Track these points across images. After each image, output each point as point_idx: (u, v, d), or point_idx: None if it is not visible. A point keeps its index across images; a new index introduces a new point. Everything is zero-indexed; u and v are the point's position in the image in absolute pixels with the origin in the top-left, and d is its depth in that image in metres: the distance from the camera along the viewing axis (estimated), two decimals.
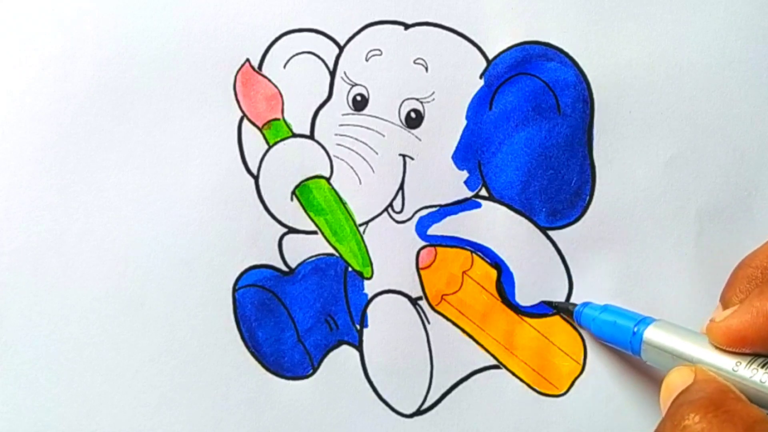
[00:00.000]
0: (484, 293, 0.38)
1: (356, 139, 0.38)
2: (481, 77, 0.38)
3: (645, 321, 0.34)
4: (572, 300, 0.38)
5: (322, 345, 0.39)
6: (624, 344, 0.35)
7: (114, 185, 0.38)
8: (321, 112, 0.38)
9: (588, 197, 0.38)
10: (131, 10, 0.38)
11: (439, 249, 0.38)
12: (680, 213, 0.38)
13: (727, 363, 0.30)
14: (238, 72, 0.38)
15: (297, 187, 0.38)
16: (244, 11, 0.38)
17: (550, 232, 0.38)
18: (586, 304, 0.37)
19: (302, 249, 0.38)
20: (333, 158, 0.38)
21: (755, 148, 0.38)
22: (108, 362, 0.38)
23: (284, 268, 0.38)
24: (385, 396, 0.38)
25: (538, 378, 0.38)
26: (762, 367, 0.29)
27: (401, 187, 0.38)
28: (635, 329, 0.34)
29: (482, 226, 0.38)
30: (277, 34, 0.38)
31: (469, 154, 0.38)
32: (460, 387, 0.38)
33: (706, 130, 0.38)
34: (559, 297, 0.38)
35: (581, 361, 0.38)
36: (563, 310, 0.38)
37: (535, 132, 0.38)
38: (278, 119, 0.38)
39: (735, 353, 0.30)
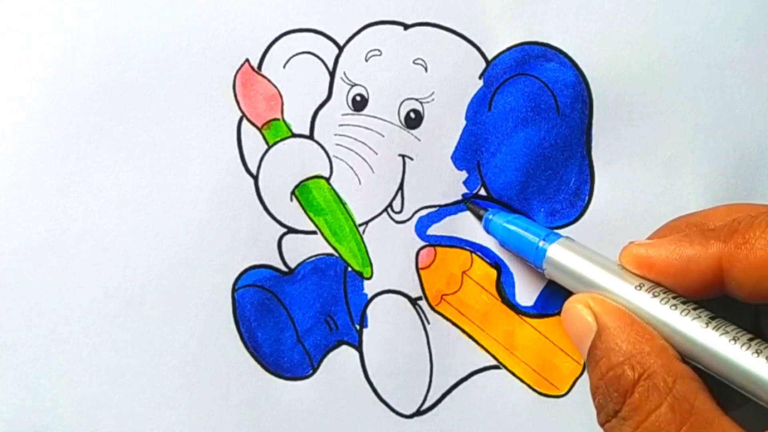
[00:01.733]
0: (484, 293, 0.38)
1: (356, 139, 0.38)
2: (480, 77, 0.38)
3: (551, 237, 0.34)
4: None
5: (322, 345, 0.39)
6: (528, 256, 0.35)
7: (114, 185, 0.38)
8: (320, 113, 0.38)
9: (587, 197, 0.38)
10: (131, 10, 0.38)
11: (438, 249, 0.38)
12: (680, 213, 0.38)
13: (628, 285, 0.31)
14: (237, 72, 0.38)
15: (296, 187, 0.38)
16: (243, 11, 0.38)
17: None
18: (497, 212, 0.37)
19: (302, 249, 0.38)
20: (332, 158, 0.38)
21: (755, 148, 0.38)
22: (108, 362, 0.38)
23: (284, 268, 0.38)
24: (384, 396, 0.38)
25: (538, 378, 0.38)
26: (663, 293, 0.30)
27: (401, 187, 0.38)
28: (540, 243, 0.34)
29: (482, 226, 0.38)
30: (276, 34, 0.38)
31: (468, 154, 0.38)
32: (460, 387, 0.38)
33: (705, 130, 0.38)
34: (559, 297, 0.38)
35: (582, 362, 0.38)
36: (473, 212, 0.38)
37: (534, 132, 0.38)
38: (278, 119, 0.38)
39: (639, 277, 0.31)
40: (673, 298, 0.30)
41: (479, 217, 0.38)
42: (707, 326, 0.29)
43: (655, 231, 0.34)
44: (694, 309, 0.29)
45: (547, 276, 0.35)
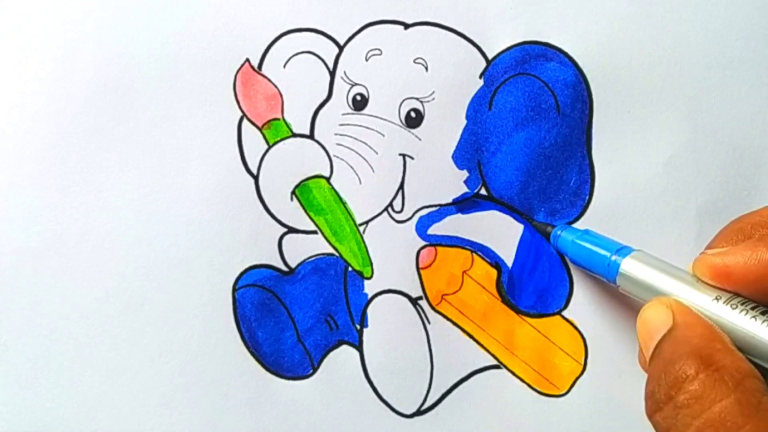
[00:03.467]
0: (485, 293, 0.38)
1: (356, 138, 0.38)
2: (480, 77, 0.38)
3: (624, 250, 0.34)
4: (573, 301, 0.38)
5: (322, 345, 0.39)
6: (601, 271, 0.35)
7: (114, 185, 0.38)
8: (321, 112, 0.38)
9: (587, 197, 0.38)
10: (131, 10, 0.38)
11: (439, 249, 0.38)
12: (680, 213, 0.38)
13: (706, 296, 0.30)
14: (238, 72, 0.38)
15: (297, 186, 0.38)
16: (244, 11, 0.38)
17: None
18: (565, 227, 0.37)
19: (302, 249, 0.38)
20: (333, 158, 0.38)
21: (755, 148, 0.38)
22: (108, 362, 0.38)
23: (284, 268, 0.38)
24: (385, 396, 0.38)
25: (538, 378, 0.38)
26: (742, 304, 0.29)
27: (401, 187, 0.38)
28: (613, 258, 0.34)
29: (482, 226, 0.38)
30: (276, 34, 0.38)
31: (468, 153, 0.38)
32: (461, 387, 0.38)
33: (705, 129, 0.38)
34: (559, 297, 0.38)
35: (582, 361, 0.38)
36: (540, 230, 0.37)
37: (534, 132, 0.38)
38: (278, 119, 0.38)
39: (716, 288, 0.30)
40: (753, 308, 0.29)
41: (547, 235, 0.37)
42: None
43: (717, 236, 0.33)
44: None
45: (622, 291, 0.34)
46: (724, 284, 0.30)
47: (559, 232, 0.37)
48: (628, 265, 0.33)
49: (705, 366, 0.27)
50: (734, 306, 0.29)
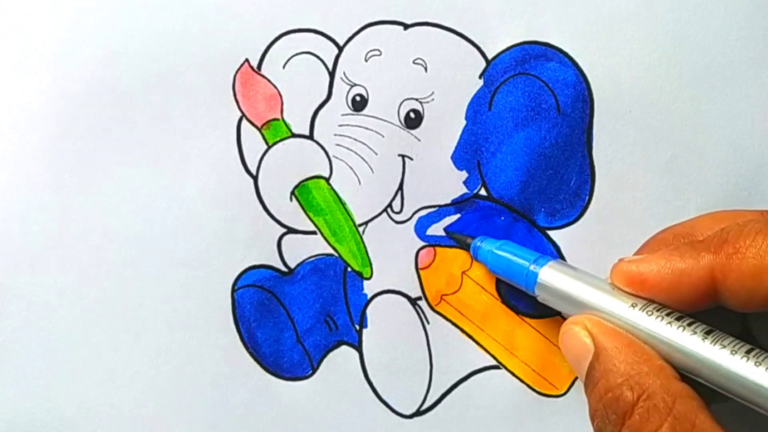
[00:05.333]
0: (484, 293, 0.38)
1: (355, 139, 0.38)
2: (480, 77, 0.38)
3: (542, 260, 0.34)
4: None
5: (322, 345, 0.39)
6: (520, 282, 0.35)
7: (113, 185, 0.38)
8: (320, 113, 0.38)
9: (587, 197, 0.38)
10: (131, 9, 0.38)
11: (438, 249, 0.38)
12: (680, 213, 0.38)
13: (622, 304, 0.30)
14: (237, 72, 0.38)
15: (296, 187, 0.38)
16: (243, 11, 0.38)
17: (550, 232, 0.38)
18: (485, 239, 0.37)
19: (301, 249, 0.38)
20: (332, 158, 0.38)
21: (756, 148, 0.38)
22: (107, 362, 0.38)
23: (283, 269, 0.38)
24: (384, 396, 0.38)
25: (538, 378, 0.38)
26: (657, 311, 0.30)
27: (400, 188, 0.38)
28: (531, 267, 0.34)
29: (482, 227, 0.38)
30: (276, 34, 0.38)
31: (468, 154, 0.38)
32: (460, 387, 0.38)
33: (706, 129, 0.38)
34: None
35: None
36: (460, 241, 0.37)
37: (534, 132, 0.38)
38: (277, 119, 0.38)
39: (632, 295, 0.31)
40: (668, 314, 0.30)
41: (466, 246, 0.37)
42: (705, 340, 0.28)
43: (642, 245, 0.34)
44: (690, 324, 0.29)
45: (541, 300, 0.34)
46: (639, 291, 0.30)
47: (478, 243, 0.37)
48: (546, 275, 0.33)
49: (637, 395, 0.28)
50: (650, 312, 0.30)
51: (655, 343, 0.29)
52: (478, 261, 0.37)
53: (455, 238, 0.38)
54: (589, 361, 0.30)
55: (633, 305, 0.30)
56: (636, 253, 0.33)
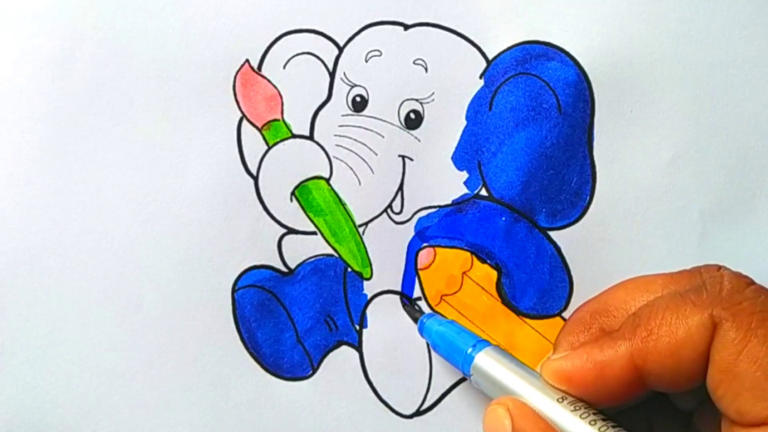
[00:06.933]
0: (484, 294, 0.38)
1: (356, 140, 0.38)
2: (481, 77, 0.38)
3: (480, 345, 0.34)
4: (573, 302, 0.38)
5: (322, 345, 0.39)
6: (457, 364, 0.35)
7: (113, 185, 0.38)
8: (320, 113, 0.38)
9: (588, 197, 0.38)
10: (130, 9, 0.38)
11: (438, 249, 0.38)
12: (683, 213, 0.38)
13: (549, 398, 0.31)
14: (237, 72, 0.38)
15: (296, 187, 0.38)
16: (243, 11, 0.38)
17: (551, 233, 0.38)
18: (431, 316, 0.37)
19: (302, 249, 0.38)
20: (332, 159, 0.38)
21: (759, 148, 0.38)
22: (107, 363, 0.38)
23: (284, 269, 0.38)
24: (384, 396, 0.38)
25: None
26: (585, 408, 0.30)
27: (400, 188, 0.38)
28: (468, 351, 0.34)
29: (482, 227, 0.38)
30: (276, 35, 0.38)
31: (468, 154, 0.38)
32: (460, 387, 0.38)
33: (709, 129, 0.38)
34: (559, 298, 0.38)
35: None
36: (410, 314, 0.38)
37: (535, 132, 0.38)
38: (278, 120, 0.38)
39: (562, 391, 0.31)
40: (594, 414, 0.30)
41: (415, 320, 0.37)
42: None
43: (563, 328, 0.34)
44: (614, 427, 0.29)
45: (474, 385, 0.34)
46: (567, 388, 0.31)
47: (425, 321, 0.37)
48: (482, 360, 0.33)
49: None
50: (576, 408, 0.30)
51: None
52: (422, 336, 0.37)
53: (407, 311, 0.38)
54: None
55: (560, 399, 0.30)
56: (557, 339, 0.33)
